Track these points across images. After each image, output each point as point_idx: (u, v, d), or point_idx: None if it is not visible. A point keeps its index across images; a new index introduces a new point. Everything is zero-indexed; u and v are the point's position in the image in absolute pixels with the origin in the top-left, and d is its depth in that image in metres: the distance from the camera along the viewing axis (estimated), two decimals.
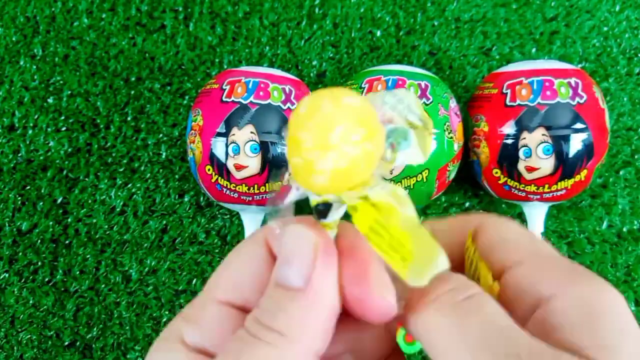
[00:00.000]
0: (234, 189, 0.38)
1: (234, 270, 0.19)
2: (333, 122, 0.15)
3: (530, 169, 0.37)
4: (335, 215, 0.17)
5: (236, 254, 0.19)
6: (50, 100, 0.47)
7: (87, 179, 0.46)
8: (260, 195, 0.38)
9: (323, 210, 0.16)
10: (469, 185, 0.44)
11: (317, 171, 0.15)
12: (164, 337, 0.19)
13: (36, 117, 0.47)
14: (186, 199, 0.45)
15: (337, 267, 0.17)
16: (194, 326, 0.18)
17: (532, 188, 0.37)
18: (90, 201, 0.45)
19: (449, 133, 0.37)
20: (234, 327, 0.17)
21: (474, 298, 0.16)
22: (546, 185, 0.37)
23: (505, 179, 0.38)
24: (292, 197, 0.17)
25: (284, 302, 0.16)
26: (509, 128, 0.37)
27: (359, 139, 0.15)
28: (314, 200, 0.16)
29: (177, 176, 0.46)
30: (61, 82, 0.48)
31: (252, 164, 0.37)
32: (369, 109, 0.15)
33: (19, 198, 0.46)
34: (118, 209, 0.45)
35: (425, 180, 0.37)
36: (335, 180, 0.15)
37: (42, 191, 0.46)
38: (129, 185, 0.46)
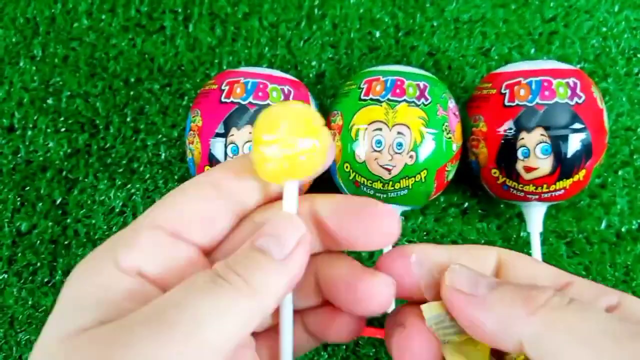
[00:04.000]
0: None
1: (181, 204, 0.19)
2: (279, 118, 0.19)
3: (529, 169, 0.37)
4: None
5: (181, 192, 0.19)
6: (49, 101, 0.47)
7: (86, 180, 0.46)
8: None
9: None
10: (467, 185, 0.44)
11: (267, 159, 0.18)
12: (94, 257, 0.18)
13: (35, 118, 0.47)
14: None
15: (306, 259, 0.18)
16: (129, 249, 0.17)
17: (531, 188, 0.37)
18: (89, 202, 0.46)
19: (447, 133, 0.37)
20: (175, 255, 0.18)
21: (576, 301, 0.17)
22: (545, 185, 0.37)
23: (504, 179, 0.38)
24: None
25: (259, 262, 0.17)
26: (507, 128, 0.37)
27: (302, 133, 0.18)
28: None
29: (176, 177, 0.46)
30: (61, 83, 0.48)
31: None
32: (311, 112, 0.19)
33: (18, 199, 0.46)
34: (117, 210, 0.45)
35: (423, 180, 0.37)
36: (282, 167, 0.18)
37: (42, 192, 0.46)
38: (128, 186, 0.46)
